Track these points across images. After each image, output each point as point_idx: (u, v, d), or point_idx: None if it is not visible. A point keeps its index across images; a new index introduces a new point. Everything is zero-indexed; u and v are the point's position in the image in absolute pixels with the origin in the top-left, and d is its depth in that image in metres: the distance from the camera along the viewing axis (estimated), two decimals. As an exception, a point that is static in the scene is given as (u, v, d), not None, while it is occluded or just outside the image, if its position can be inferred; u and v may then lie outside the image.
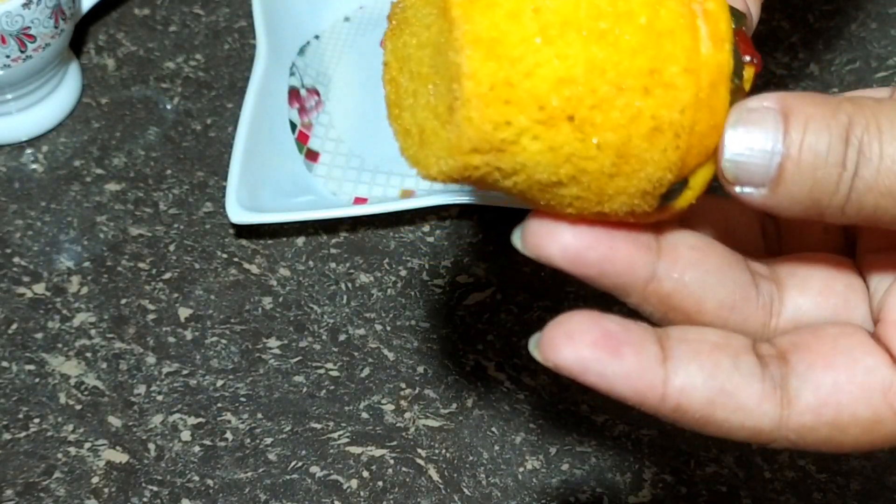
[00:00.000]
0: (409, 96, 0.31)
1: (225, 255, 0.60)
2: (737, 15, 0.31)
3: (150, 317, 0.58)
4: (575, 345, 0.31)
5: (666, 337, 0.31)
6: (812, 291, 0.34)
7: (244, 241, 0.60)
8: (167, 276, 0.59)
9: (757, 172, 0.30)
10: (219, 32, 0.69)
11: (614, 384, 0.32)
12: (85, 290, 0.58)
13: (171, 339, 0.57)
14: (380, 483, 0.53)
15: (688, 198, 0.31)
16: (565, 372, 0.31)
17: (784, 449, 0.32)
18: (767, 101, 0.30)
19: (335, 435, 0.54)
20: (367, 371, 0.56)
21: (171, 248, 0.60)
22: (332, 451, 0.54)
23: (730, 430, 0.31)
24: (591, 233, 0.31)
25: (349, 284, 0.59)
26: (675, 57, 0.29)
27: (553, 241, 0.31)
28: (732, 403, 0.31)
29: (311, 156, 0.63)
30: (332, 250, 0.60)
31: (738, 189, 0.30)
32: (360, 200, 0.61)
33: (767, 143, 0.29)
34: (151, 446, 0.54)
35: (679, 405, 0.31)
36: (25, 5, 0.58)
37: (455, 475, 0.53)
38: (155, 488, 0.53)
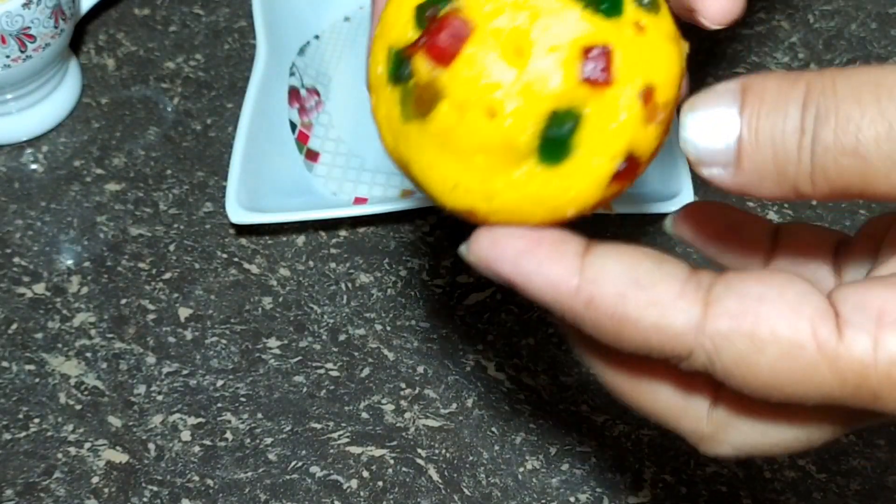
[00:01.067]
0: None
1: (225, 255, 0.60)
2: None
3: (150, 317, 0.58)
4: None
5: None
6: (751, 280, 0.31)
7: (244, 241, 0.60)
8: (167, 276, 0.59)
9: (718, 151, 0.29)
10: (219, 32, 0.69)
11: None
12: (85, 289, 0.58)
13: (171, 339, 0.57)
14: (380, 483, 0.53)
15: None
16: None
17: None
18: (732, 83, 0.30)
19: (335, 435, 0.54)
20: (367, 371, 0.56)
21: (171, 248, 0.60)
22: (332, 451, 0.54)
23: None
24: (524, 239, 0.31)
25: (349, 284, 0.59)
26: None
27: (501, 250, 0.31)
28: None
29: (311, 156, 0.63)
30: (332, 250, 0.60)
31: (705, 172, 0.30)
32: (360, 200, 0.61)
33: (724, 120, 0.29)
34: (151, 446, 0.54)
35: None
36: (25, 5, 0.58)
37: (455, 475, 0.53)
38: (155, 488, 0.53)
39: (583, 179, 0.31)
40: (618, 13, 0.30)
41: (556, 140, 0.30)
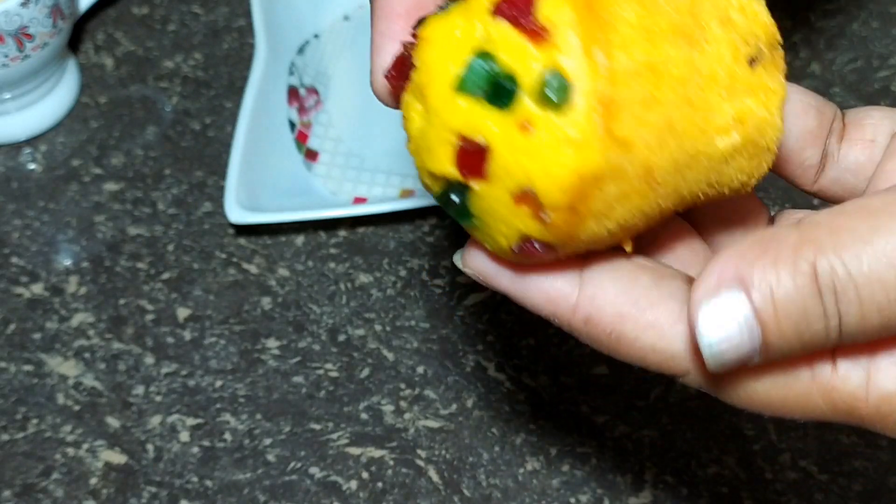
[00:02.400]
0: None
1: (224, 255, 0.60)
2: None
3: (149, 317, 0.57)
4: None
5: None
6: None
7: (243, 241, 0.60)
8: (166, 276, 0.59)
9: (744, 355, 0.28)
10: (218, 31, 0.68)
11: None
12: (83, 290, 0.58)
13: (170, 340, 0.57)
14: (379, 484, 0.53)
15: None
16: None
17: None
18: (725, 278, 0.27)
19: (334, 436, 0.54)
20: (366, 371, 0.56)
21: (170, 248, 0.60)
22: (331, 451, 0.53)
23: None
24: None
25: (349, 284, 0.59)
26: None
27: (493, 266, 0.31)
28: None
29: (311, 155, 0.63)
30: (332, 250, 0.60)
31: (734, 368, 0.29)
32: (359, 200, 0.61)
33: (742, 328, 0.28)
34: (150, 447, 0.54)
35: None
36: (24, 4, 0.58)
37: (455, 476, 0.53)
38: (153, 489, 0.52)
39: (488, 242, 0.31)
40: (505, 105, 0.28)
41: (456, 208, 0.30)
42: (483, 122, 0.28)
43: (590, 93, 0.27)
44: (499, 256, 0.31)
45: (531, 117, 0.28)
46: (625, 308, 0.30)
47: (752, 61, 0.30)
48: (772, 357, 0.28)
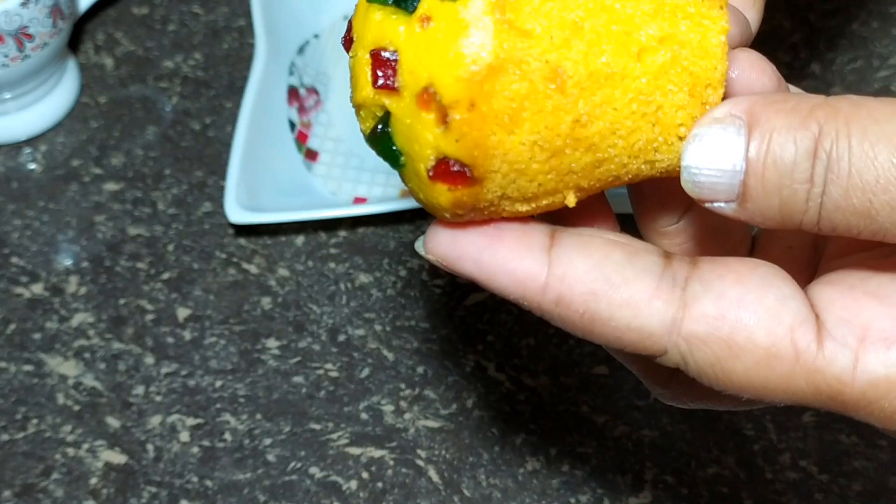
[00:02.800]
0: None
1: (224, 255, 0.60)
2: None
3: (149, 317, 0.57)
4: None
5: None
6: (729, 279, 0.29)
7: (243, 241, 0.60)
8: (166, 276, 0.59)
9: (721, 190, 0.28)
10: (217, 31, 0.68)
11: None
12: (83, 290, 0.58)
13: (170, 340, 0.57)
14: (379, 484, 0.53)
15: None
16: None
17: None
18: (736, 109, 0.28)
19: (334, 436, 0.54)
20: (366, 372, 0.56)
21: (170, 248, 0.60)
22: (331, 452, 0.53)
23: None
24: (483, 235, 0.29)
25: (349, 284, 0.59)
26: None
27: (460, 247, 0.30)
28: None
29: (311, 155, 0.63)
30: (332, 250, 0.60)
31: (706, 204, 0.28)
32: (359, 200, 0.61)
33: (729, 159, 0.27)
34: (150, 447, 0.54)
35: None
36: (24, 4, 0.58)
37: (455, 476, 0.53)
38: (153, 489, 0.52)
39: (412, 181, 0.29)
40: (411, 7, 0.27)
41: (382, 142, 0.29)
42: (393, 28, 0.28)
43: None
44: (458, 236, 0.30)
45: (430, 10, 0.27)
46: (597, 285, 0.28)
47: None
48: (747, 208, 0.27)
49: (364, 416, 0.55)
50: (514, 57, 0.27)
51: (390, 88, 0.28)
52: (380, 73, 0.28)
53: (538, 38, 0.27)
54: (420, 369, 0.56)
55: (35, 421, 0.54)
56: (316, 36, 0.67)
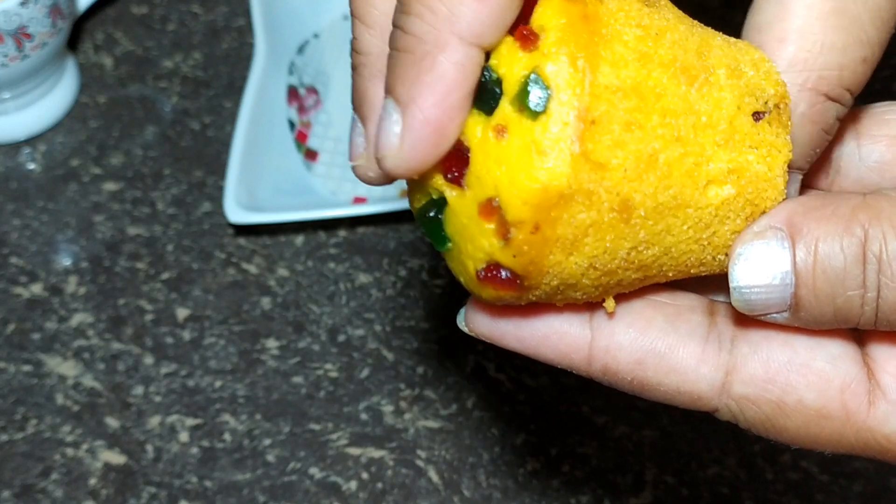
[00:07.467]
0: None
1: (223, 255, 0.59)
2: None
3: (148, 317, 0.57)
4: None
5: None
6: (777, 341, 0.29)
7: (242, 241, 0.60)
8: (165, 276, 0.59)
9: (773, 304, 0.28)
10: (217, 31, 0.68)
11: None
12: (82, 290, 0.58)
13: (169, 340, 0.57)
14: (379, 484, 0.52)
15: None
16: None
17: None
18: (775, 221, 0.28)
19: (334, 436, 0.54)
20: (366, 372, 0.56)
21: (169, 248, 0.60)
22: (331, 452, 0.53)
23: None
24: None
25: (348, 284, 0.58)
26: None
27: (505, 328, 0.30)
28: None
29: (310, 155, 0.63)
30: (332, 250, 0.60)
31: (759, 317, 0.28)
32: (359, 200, 0.61)
33: (776, 275, 0.27)
34: (149, 447, 0.54)
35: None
36: (23, 4, 0.57)
37: (455, 477, 0.53)
38: (153, 489, 0.52)
39: (456, 267, 0.29)
40: (491, 110, 0.27)
41: (433, 225, 0.29)
42: (471, 126, 0.27)
43: (568, 103, 0.26)
44: (498, 313, 0.30)
45: (507, 121, 0.27)
46: (642, 355, 0.29)
47: (758, 116, 0.28)
48: (801, 317, 0.28)
49: (364, 416, 0.54)
50: (585, 189, 0.27)
51: (457, 183, 0.28)
52: (452, 165, 0.27)
53: (612, 170, 0.27)
54: (420, 369, 0.56)
55: (34, 421, 0.54)
56: (316, 35, 0.67)
